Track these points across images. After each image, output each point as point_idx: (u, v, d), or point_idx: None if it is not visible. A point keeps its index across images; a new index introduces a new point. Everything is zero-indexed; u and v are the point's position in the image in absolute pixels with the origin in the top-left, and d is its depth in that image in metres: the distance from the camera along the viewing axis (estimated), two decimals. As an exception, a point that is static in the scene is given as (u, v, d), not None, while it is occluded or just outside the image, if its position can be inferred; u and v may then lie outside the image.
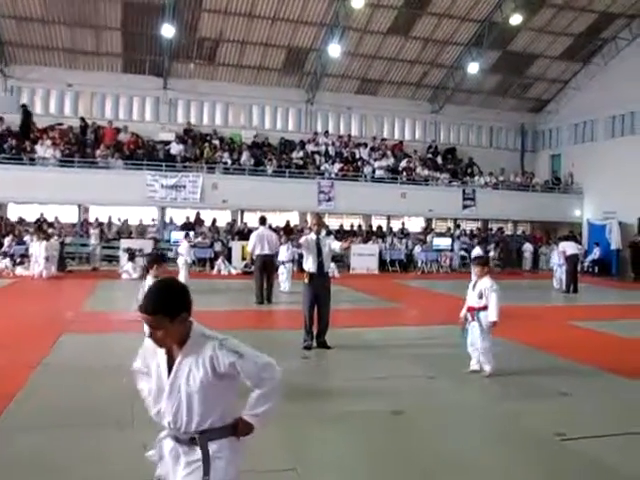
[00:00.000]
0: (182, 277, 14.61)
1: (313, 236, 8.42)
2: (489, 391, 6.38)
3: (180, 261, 15.27)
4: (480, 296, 6.84)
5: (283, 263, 15.19)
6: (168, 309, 2.57)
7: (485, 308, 6.75)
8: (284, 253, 15.18)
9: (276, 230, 18.23)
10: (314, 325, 8.38)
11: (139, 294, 5.76)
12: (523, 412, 5.67)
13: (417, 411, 5.59)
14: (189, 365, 2.59)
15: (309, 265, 8.32)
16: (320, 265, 8.29)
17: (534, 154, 30.47)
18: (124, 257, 18.92)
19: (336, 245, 8.45)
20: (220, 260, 20.09)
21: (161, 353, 2.63)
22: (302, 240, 8.58)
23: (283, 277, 15.15)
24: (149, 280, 5.92)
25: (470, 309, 6.95)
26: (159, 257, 6.40)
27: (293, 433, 4.94)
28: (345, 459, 4.50)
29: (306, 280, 8.36)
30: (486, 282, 6.92)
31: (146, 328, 2.62)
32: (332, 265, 16.08)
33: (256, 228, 13.65)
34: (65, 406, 5.40)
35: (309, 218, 25.09)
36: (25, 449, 4.49)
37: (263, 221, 13.29)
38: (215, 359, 2.58)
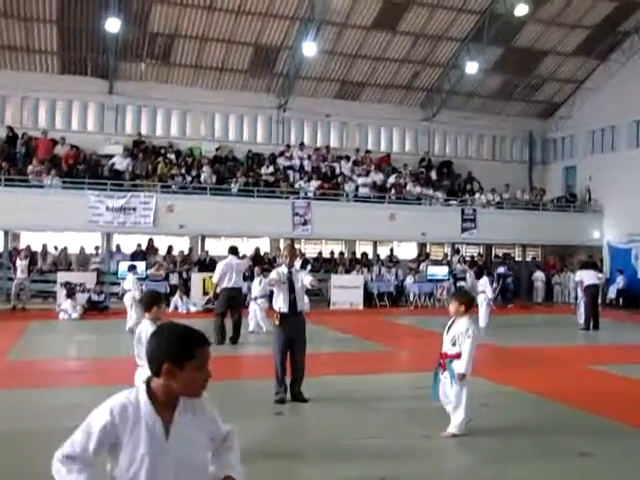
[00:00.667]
0: (132, 318, 14.46)
1: (284, 269, 8.39)
2: (493, 452, 6.32)
3: (127, 298, 15.11)
4: (454, 343, 6.75)
5: (255, 299, 15.10)
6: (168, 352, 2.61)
7: (458, 356, 6.65)
8: (257, 287, 15.12)
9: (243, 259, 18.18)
10: (287, 374, 8.30)
11: (137, 342, 5.72)
12: (534, 477, 5.61)
13: (406, 478, 5.51)
14: (188, 425, 2.58)
15: (280, 304, 8.27)
16: (292, 303, 8.25)
17: (544, 167, 30.94)
18: (62, 293, 18.69)
19: (307, 280, 8.43)
20: (177, 296, 19.93)
21: (149, 412, 2.53)
22: (272, 275, 8.55)
23: (257, 315, 15.05)
24: (147, 325, 5.76)
25: (443, 356, 6.86)
26: (159, 296, 6.25)
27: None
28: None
29: (276, 322, 8.30)
30: (462, 325, 6.80)
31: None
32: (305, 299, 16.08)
33: (224, 257, 13.75)
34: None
35: (282, 245, 25.09)
36: None
37: (234, 251, 13.47)
38: (213, 422, 2.68)
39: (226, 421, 2.78)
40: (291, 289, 8.25)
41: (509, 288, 24.38)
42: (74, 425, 7.02)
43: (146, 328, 5.69)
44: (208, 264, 21.55)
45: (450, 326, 6.93)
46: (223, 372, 10.93)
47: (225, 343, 12.76)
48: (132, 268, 16.46)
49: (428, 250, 27.22)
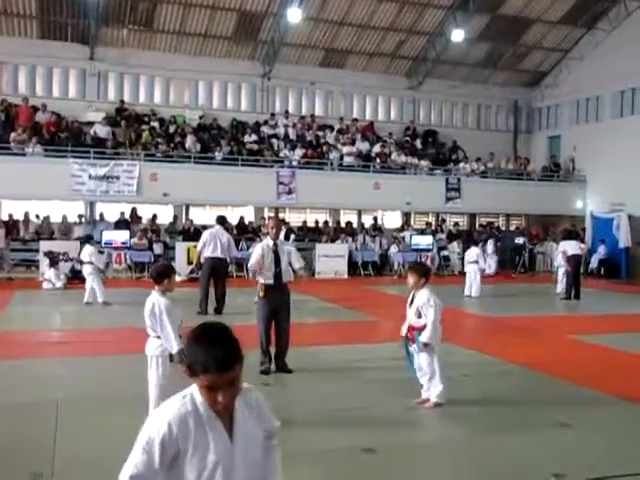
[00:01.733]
0: (97, 289, 14.46)
1: (270, 242, 8.42)
2: (476, 422, 6.40)
3: (86, 271, 14.91)
4: (419, 315, 6.76)
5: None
6: (240, 352, 2.42)
7: (425, 328, 6.66)
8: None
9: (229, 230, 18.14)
10: (272, 345, 8.33)
11: (150, 315, 5.70)
12: (515, 448, 5.69)
13: (392, 448, 5.56)
14: (247, 422, 2.50)
15: (265, 276, 8.26)
16: (277, 276, 8.27)
17: (529, 136, 30.97)
18: (44, 262, 18.57)
19: (297, 265, 8.60)
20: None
21: (211, 418, 2.41)
22: (257, 249, 8.55)
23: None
24: (157, 297, 5.76)
25: (410, 329, 6.88)
26: (170, 268, 6.19)
27: None
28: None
29: (261, 293, 8.29)
30: (424, 296, 6.82)
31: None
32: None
33: (210, 226, 13.69)
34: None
35: (266, 214, 25.07)
36: None
37: (222, 221, 13.34)
38: (267, 414, 2.61)
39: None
40: (277, 262, 8.25)
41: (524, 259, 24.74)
42: (59, 396, 7.05)
43: (157, 300, 5.71)
44: (192, 233, 21.48)
45: (412, 299, 6.91)
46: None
47: (209, 313, 12.72)
48: (89, 239, 16.19)
49: (412, 220, 27.31)
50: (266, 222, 9.16)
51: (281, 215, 25.23)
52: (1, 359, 8.82)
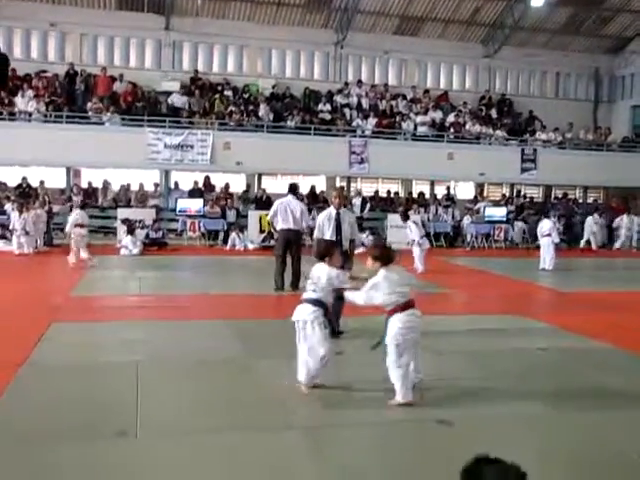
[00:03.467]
0: (82, 253, 14.92)
1: (333, 211, 8.76)
2: (560, 398, 6.26)
3: (76, 233, 15.11)
4: None
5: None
6: None
7: (391, 312, 5.87)
8: None
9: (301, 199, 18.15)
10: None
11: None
12: (596, 425, 5.54)
13: (468, 421, 5.51)
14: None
15: (327, 236, 8.62)
16: (339, 244, 8.43)
17: (610, 105, 29.85)
18: (122, 229, 19.07)
19: (353, 234, 8.95)
20: (234, 233, 20.12)
21: None
22: (319, 216, 9.01)
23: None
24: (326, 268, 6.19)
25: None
26: (330, 247, 6.50)
27: (325, 442, 4.92)
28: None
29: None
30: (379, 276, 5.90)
31: None
32: (363, 236, 16.11)
33: (282, 195, 13.32)
34: (55, 415, 5.42)
35: (338, 183, 25.05)
36: (12, 464, 4.52)
37: (293, 189, 12.76)
38: None
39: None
40: (338, 229, 8.63)
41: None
42: (138, 358, 7.24)
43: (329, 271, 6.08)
44: (265, 202, 21.66)
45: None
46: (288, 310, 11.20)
47: (286, 289, 12.21)
48: (84, 205, 16.78)
49: (486, 191, 26.84)
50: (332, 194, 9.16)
51: (353, 185, 25.22)
52: (84, 320, 9.12)
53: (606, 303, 11.77)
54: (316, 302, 6.00)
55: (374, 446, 5.05)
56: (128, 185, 22.54)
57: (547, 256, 16.54)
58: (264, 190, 22.90)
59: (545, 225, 16.97)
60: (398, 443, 5.13)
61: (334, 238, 8.59)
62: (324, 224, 8.84)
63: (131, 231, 18.36)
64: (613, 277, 16.21)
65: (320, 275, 6.06)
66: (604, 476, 4.64)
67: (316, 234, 8.93)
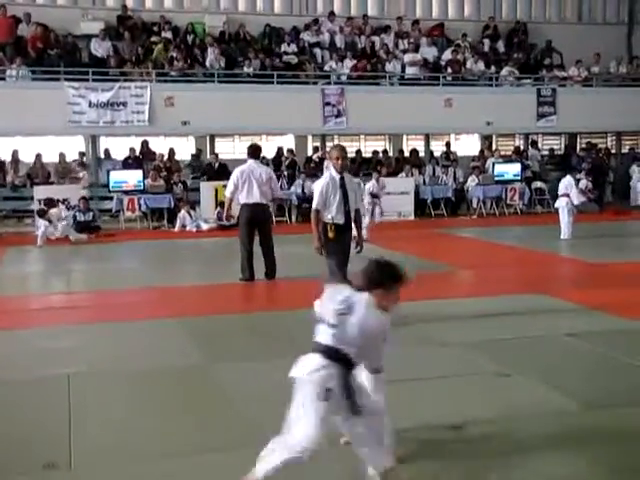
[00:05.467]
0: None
1: (335, 175, 8.62)
2: (587, 394, 6.35)
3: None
4: None
5: None
6: None
7: None
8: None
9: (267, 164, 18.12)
10: None
11: None
12: (635, 423, 5.66)
13: (486, 425, 5.59)
14: None
15: (333, 214, 8.59)
16: (347, 215, 8.63)
17: (649, 28, 29.91)
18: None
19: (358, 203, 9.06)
20: (184, 211, 20.03)
21: None
22: (319, 185, 8.81)
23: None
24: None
25: None
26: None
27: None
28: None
29: (331, 235, 8.59)
30: None
31: None
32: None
33: (242, 161, 13.12)
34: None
35: (310, 144, 25.01)
36: None
37: (255, 152, 12.53)
38: None
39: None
40: (345, 198, 8.55)
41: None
42: (69, 371, 7.23)
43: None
44: (218, 170, 21.60)
45: None
46: (260, 303, 11.22)
47: (257, 280, 12.07)
48: None
49: (494, 144, 26.92)
50: (331, 154, 8.87)
51: (329, 145, 25.14)
52: (3, 329, 9.06)
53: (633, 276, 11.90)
54: (331, 354, 4.38)
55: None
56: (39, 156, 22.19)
57: (562, 222, 16.61)
58: (216, 156, 22.80)
59: (563, 183, 17.01)
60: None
61: (344, 211, 8.59)
62: (329, 194, 8.59)
63: (42, 213, 18.08)
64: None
65: (357, 313, 4.39)
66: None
67: (316, 207, 8.65)
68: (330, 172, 8.79)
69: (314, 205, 8.70)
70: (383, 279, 4.46)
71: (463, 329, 8.58)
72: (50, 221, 17.83)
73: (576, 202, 16.92)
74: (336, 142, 25.29)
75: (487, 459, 5.03)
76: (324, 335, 4.39)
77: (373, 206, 17.10)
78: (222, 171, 21.43)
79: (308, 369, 4.40)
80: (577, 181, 18.18)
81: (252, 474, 4.37)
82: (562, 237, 16.55)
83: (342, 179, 8.61)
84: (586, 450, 5.20)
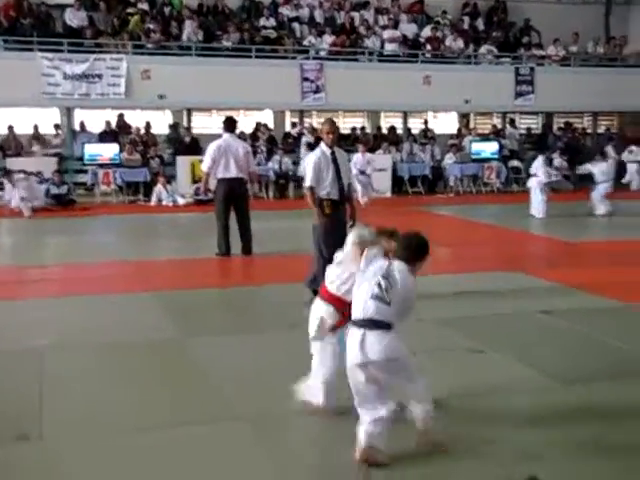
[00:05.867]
0: None
1: (326, 150, 8.56)
2: (560, 370, 6.40)
3: None
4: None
5: None
6: None
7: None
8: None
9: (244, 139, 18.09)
10: None
11: None
12: (614, 397, 5.73)
13: (459, 400, 5.63)
14: None
15: (327, 190, 8.51)
16: (342, 190, 8.57)
17: (627, 9, 29.99)
18: (14, 183, 18.66)
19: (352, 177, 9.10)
20: (160, 185, 19.92)
21: None
22: (310, 160, 8.74)
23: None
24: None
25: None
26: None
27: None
28: None
29: (328, 210, 8.50)
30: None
31: None
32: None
33: (217, 136, 13.03)
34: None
35: (288, 119, 24.92)
36: None
37: (230, 126, 12.49)
38: None
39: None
40: (338, 173, 8.49)
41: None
42: (42, 343, 7.22)
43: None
44: (190, 146, 21.51)
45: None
46: (239, 278, 11.23)
47: (233, 254, 12.10)
48: None
49: (472, 122, 26.94)
50: (299, 127, 8.80)
51: (307, 120, 25.09)
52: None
53: (617, 254, 12.08)
54: (382, 325, 4.64)
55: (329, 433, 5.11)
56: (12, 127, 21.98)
57: (534, 200, 16.87)
58: (188, 129, 22.60)
59: (536, 165, 17.27)
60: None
61: (338, 186, 8.50)
62: (322, 170, 8.47)
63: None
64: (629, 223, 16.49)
65: (401, 282, 4.69)
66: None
67: (310, 184, 8.50)
68: (321, 147, 8.68)
69: (308, 182, 8.58)
70: (425, 253, 4.86)
71: (438, 306, 8.59)
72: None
73: (545, 180, 17.10)
74: (315, 118, 25.28)
75: (460, 435, 5.05)
76: (370, 308, 4.59)
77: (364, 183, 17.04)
78: (194, 145, 21.36)
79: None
80: (551, 160, 18.33)
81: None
82: (537, 215, 16.71)
83: (333, 153, 8.52)
84: (560, 425, 5.24)
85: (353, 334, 4.62)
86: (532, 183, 17.17)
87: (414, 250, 4.82)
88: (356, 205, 9.30)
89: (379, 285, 4.60)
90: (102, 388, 5.97)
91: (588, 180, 18.27)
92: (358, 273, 4.82)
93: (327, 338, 5.22)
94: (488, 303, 8.82)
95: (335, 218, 8.51)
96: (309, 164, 8.70)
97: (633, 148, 24.35)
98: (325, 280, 5.37)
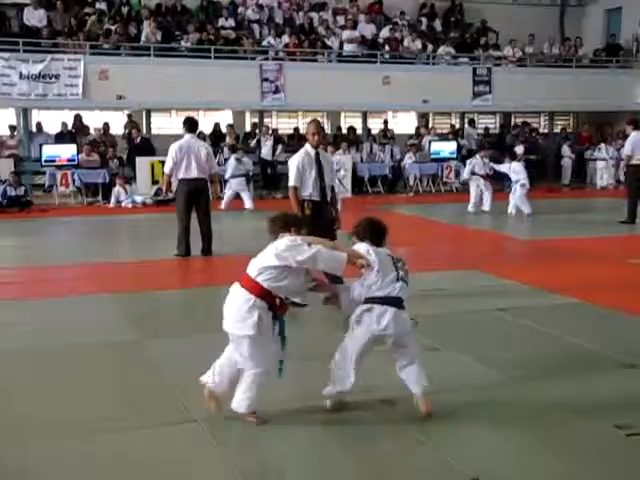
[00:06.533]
0: None
1: (311, 150, 8.59)
2: (518, 366, 6.48)
3: None
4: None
5: (230, 179, 18.33)
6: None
7: None
8: (231, 169, 18.29)
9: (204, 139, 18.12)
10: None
11: None
12: (570, 395, 5.81)
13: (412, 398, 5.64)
14: None
15: (309, 190, 8.53)
16: (323, 191, 8.57)
17: (581, 10, 30.38)
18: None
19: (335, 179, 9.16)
20: (118, 186, 19.79)
21: None
22: (295, 160, 8.71)
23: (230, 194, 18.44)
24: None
25: None
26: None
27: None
28: None
29: (308, 211, 8.52)
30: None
31: None
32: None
33: (179, 136, 12.88)
34: None
35: (248, 119, 24.90)
36: None
37: (192, 126, 12.47)
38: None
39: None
40: (320, 175, 8.50)
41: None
42: (13, 347, 7.15)
43: None
44: (143, 146, 21.50)
45: None
46: (200, 277, 11.23)
47: (192, 255, 12.11)
48: None
49: (431, 122, 27.09)
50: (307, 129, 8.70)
51: (267, 121, 25.08)
52: None
53: (573, 252, 12.24)
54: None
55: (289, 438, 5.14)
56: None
57: (517, 200, 17.38)
58: (138, 130, 22.29)
59: (513, 169, 17.79)
60: (326, 434, 5.23)
61: (319, 187, 8.50)
62: (304, 169, 8.51)
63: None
64: (584, 220, 16.71)
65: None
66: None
67: (293, 184, 8.53)
68: (305, 147, 8.70)
69: (291, 182, 8.60)
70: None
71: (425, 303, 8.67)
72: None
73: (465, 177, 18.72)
74: (275, 119, 25.28)
75: (414, 431, 5.11)
76: (396, 289, 5.39)
77: None
78: (145, 146, 21.30)
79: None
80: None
81: None
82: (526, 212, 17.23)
83: (317, 154, 8.55)
84: (512, 421, 5.33)
85: (375, 310, 5.26)
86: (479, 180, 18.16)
87: (383, 233, 5.62)
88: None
89: (402, 269, 5.50)
90: (57, 391, 5.93)
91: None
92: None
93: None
94: (446, 301, 8.90)
95: (315, 220, 8.33)
96: (293, 164, 8.71)
97: (602, 146, 24.72)
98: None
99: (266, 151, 22.22)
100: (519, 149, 22.65)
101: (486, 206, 17.98)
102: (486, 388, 6.00)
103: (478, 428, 5.21)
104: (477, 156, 18.88)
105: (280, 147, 22.59)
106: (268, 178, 22.38)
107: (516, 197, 17.34)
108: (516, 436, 5.11)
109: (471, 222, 16.54)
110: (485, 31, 27.98)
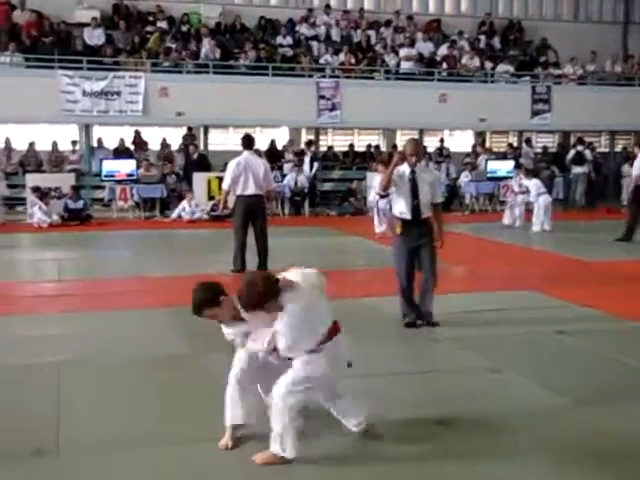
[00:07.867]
0: None
1: (406, 169, 8.55)
2: (583, 392, 6.36)
3: None
4: None
5: None
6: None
7: None
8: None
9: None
10: (415, 293, 8.62)
11: None
12: (629, 420, 5.68)
13: (472, 421, 5.60)
14: None
15: (401, 208, 8.54)
16: (415, 209, 8.47)
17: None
18: (32, 200, 18.86)
19: (438, 196, 8.72)
20: (186, 201, 19.93)
21: None
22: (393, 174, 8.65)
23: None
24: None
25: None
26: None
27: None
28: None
29: (398, 230, 8.58)
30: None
31: None
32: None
33: (236, 152, 13.04)
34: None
35: (304, 136, 25.01)
36: None
37: (249, 143, 12.44)
38: None
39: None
40: (414, 192, 8.44)
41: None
42: (60, 359, 7.22)
43: None
44: (197, 161, 21.75)
45: None
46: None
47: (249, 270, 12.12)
48: None
49: (488, 141, 26.93)
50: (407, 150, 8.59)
51: (322, 137, 25.17)
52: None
53: (636, 275, 11.99)
54: None
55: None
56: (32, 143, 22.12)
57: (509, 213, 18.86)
58: (196, 146, 22.59)
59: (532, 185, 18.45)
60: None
61: (411, 206, 8.42)
62: (397, 186, 8.52)
63: (42, 195, 18.24)
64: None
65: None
66: None
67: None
68: (404, 165, 8.57)
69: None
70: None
71: (454, 325, 8.58)
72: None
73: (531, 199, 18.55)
74: (330, 136, 25.38)
75: (474, 455, 5.04)
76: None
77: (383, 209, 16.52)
78: (201, 162, 21.51)
79: None
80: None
81: None
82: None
83: (413, 173, 8.45)
84: (578, 447, 5.22)
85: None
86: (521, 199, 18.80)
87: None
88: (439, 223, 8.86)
89: None
90: (119, 404, 5.98)
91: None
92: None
93: None
94: (504, 322, 8.78)
95: (407, 237, 8.50)
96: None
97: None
98: None
99: (305, 168, 22.44)
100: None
101: (546, 225, 17.94)
102: (550, 412, 5.86)
103: (549, 455, 5.10)
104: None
105: (316, 165, 22.65)
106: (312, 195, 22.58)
107: (540, 211, 18.00)
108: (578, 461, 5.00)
109: (530, 241, 16.38)
110: (545, 49, 27.81)
